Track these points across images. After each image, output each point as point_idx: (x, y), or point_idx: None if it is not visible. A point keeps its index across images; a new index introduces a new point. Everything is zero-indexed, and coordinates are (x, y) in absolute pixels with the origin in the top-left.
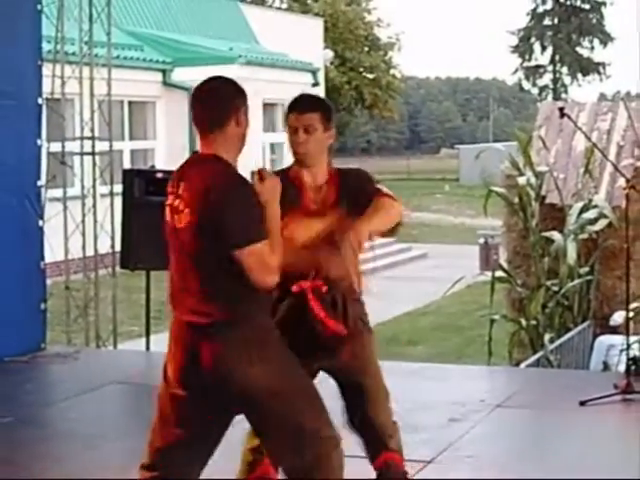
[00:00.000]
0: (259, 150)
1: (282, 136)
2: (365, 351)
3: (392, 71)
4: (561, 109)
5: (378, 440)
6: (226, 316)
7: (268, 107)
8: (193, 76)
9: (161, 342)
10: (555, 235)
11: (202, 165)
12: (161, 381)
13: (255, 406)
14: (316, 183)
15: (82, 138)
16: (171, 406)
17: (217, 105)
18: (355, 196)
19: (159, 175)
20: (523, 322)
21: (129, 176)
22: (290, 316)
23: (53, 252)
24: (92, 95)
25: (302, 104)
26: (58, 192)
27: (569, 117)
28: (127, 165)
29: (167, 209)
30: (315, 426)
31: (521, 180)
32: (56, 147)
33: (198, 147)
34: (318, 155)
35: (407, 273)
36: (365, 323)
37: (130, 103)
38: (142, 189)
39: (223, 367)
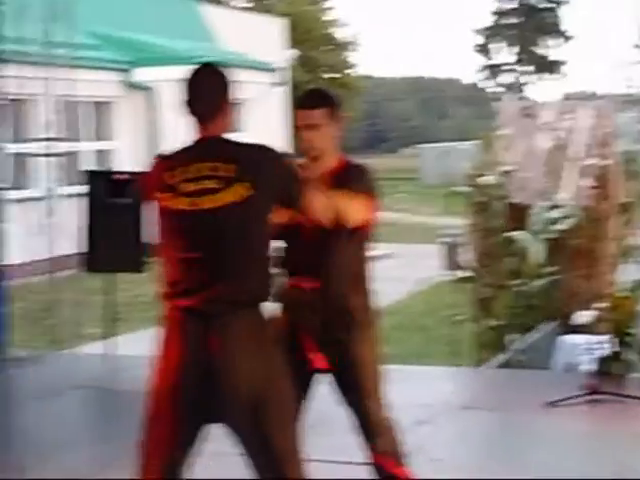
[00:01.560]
0: None
1: (242, 135)
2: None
3: (351, 70)
4: (524, 108)
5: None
6: None
7: None
8: (153, 76)
9: (124, 344)
10: (519, 235)
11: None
12: None
13: None
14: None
15: (39, 139)
16: None
17: (214, 93)
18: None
19: (122, 177)
20: (487, 322)
21: (92, 177)
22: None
23: (13, 254)
24: (50, 96)
25: (306, 101)
26: (21, 194)
27: (533, 116)
28: (88, 166)
29: (178, 197)
30: None
31: (484, 179)
32: (23, 148)
33: (196, 132)
34: (324, 151)
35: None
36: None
37: (90, 103)
38: (104, 190)
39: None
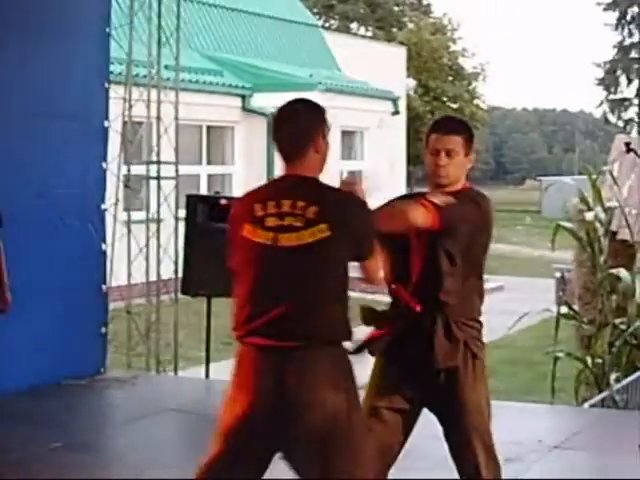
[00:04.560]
0: (337, 177)
1: (360, 164)
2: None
3: (476, 101)
4: (627, 144)
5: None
6: None
7: (346, 135)
8: (272, 102)
9: (225, 369)
10: (622, 272)
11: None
12: None
13: None
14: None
15: (148, 162)
16: None
17: (295, 134)
18: None
19: (223, 202)
20: (588, 360)
21: (192, 201)
22: None
23: (116, 276)
24: (158, 119)
25: (445, 126)
26: (128, 216)
27: (635, 152)
28: (204, 190)
29: (259, 230)
30: None
31: (589, 215)
32: (134, 170)
33: (281, 170)
34: (457, 179)
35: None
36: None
37: (209, 128)
38: (205, 215)
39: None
